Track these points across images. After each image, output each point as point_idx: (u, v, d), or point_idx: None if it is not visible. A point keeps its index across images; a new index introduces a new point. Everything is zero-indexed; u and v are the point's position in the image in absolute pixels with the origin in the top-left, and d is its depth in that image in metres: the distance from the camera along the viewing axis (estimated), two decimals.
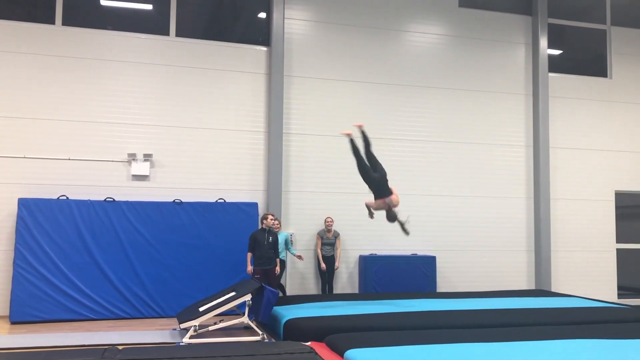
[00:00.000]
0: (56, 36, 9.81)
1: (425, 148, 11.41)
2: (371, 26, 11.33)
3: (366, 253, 10.78)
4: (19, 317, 8.67)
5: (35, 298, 8.80)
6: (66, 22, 9.90)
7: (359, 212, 10.74)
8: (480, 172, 11.69)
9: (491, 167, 11.77)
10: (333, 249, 10.18)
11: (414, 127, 11.38)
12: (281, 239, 9.53)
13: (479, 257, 11.46)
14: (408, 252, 10.98)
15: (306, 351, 5.64)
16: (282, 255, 9.53)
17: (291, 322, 7.10)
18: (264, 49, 10.80)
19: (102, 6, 10.34)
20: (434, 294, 10.15)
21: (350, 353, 5.50)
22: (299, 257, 9.77)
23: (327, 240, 10.15)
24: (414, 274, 10.69)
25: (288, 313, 7.49)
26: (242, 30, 11.04)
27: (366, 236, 10.83)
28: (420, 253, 11.01)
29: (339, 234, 10.30)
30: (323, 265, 10.10)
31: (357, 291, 10.72)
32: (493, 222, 11.66)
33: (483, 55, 11.96)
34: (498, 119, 11.92)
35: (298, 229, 10.60)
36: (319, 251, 10.18)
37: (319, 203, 10.72)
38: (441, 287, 10.85)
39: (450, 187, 11.49)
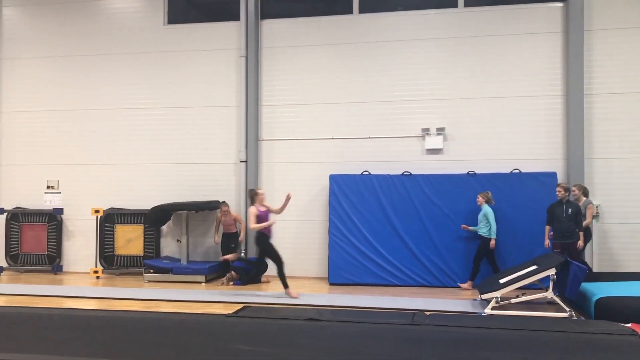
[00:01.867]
0: (353, 24, 10.65)
1: None
2: None
3: None
4: (335, 280, 9.85)
5: (347, 263, 9.87)
6: (362, 9, 10.67)
7: None
8: None
9: None
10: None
11: None
12: (486, 210, 9.07)
13: None
14: None
15: (627, 333, 5.13)
16: (482, 231, 9.07)
17: (604, 301, 6.52)
18: (559, 4, 9.92)
19: None
20: None
21: None
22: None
23: None
24: None
25: (600, 290, 6.87)
26: None
27: None
28: None
29: (589, 203, 8.71)
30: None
31: None
32: None
33: None
34: None
35: (605, 199, 9.58)
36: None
37: (633, 170, 9.49)
38: None
39: None
